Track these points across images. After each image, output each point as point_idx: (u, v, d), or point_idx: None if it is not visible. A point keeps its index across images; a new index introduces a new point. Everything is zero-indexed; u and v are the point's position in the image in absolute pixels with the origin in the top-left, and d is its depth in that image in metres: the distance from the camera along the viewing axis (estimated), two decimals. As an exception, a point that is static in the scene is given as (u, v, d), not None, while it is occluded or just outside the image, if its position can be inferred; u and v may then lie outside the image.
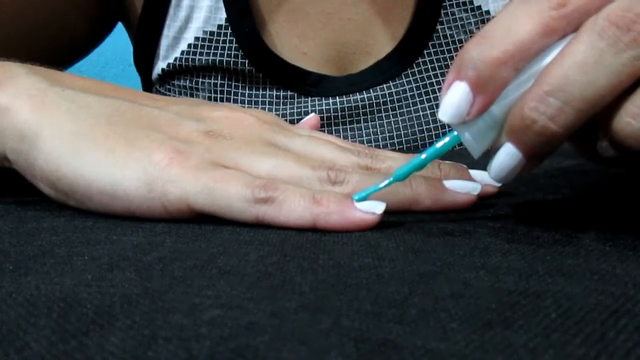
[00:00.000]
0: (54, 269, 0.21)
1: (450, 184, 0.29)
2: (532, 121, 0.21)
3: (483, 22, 0.51)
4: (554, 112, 0.21)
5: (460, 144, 0.25)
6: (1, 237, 0.25)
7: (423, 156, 0.25)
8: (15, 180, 0.29)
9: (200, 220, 0.27)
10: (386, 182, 0.26)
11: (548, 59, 0.22)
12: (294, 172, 0.28)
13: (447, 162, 0.32)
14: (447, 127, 0.52)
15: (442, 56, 0.51)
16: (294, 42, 0.51)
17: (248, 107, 0.49)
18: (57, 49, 0.54)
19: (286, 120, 0.48)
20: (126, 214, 0.27)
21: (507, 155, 0.23)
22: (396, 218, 0.27)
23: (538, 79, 0.22)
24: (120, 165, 0.27)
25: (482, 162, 0.26)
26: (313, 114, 0.39)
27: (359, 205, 0.25)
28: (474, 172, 0.31)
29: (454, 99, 0.23)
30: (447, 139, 0.24)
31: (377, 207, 0.26)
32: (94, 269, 0.21)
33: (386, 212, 0.26)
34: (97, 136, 0.27)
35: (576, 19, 0.21)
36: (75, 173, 0.27)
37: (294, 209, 0.25)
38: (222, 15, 0.50)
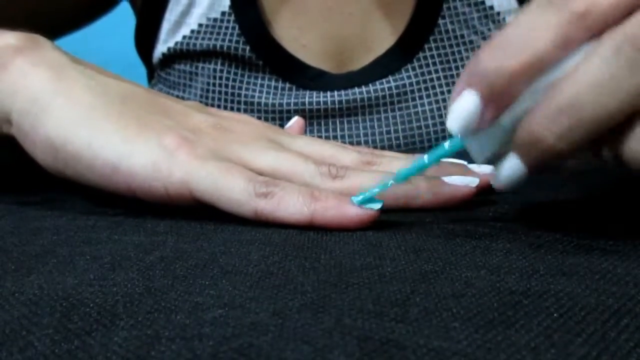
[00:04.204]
0: (56, 268, 0.21)
1: (449, 180, 0.29)
2: (540, 138, 0.21)
3: (486, 17, 0.50)
4: (563, 132, 0.21)
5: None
6: (3, 236, 0.25)
7: (425, 158, 0.25)
8: (16, 180, 0.29)
9: (201, 220, 0.27)
10: (386, 183, 0.26)
11: (559, 71, 0.21)
12: (296, 165, 0.29)
13: (447, 160, 0.32)
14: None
15: (443, 51, 0.51)
16: (294, 33, 0.51)
17: (245, 94, 0.51)
18: (60, 14, 0.54)
19: (282, 110, 0.51)
20: (126, 192, 0.27)
21: (511, 168, 0.23)
22: (397, 217, 0.27)
23: (550, 94, 0.21)
24: (130, 142, 0.27)
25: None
26: (297, 117, 0.40)
27: (356, 201, 0.26)
28: (472, 166, 0.32)
29: (464, 109, 0.22)
30: (451, 142, 0.24)
31: (374, 204, 0.26)
32: (96, 268, 0.21)
33: (386, 208, 0.26)
34: (111, 112, 0.28)
35: (596, 29, 0.20)
36: (82, 141, 0.27)
37: (292, 204, 0.26)
38: (226, 1, 0.51)
